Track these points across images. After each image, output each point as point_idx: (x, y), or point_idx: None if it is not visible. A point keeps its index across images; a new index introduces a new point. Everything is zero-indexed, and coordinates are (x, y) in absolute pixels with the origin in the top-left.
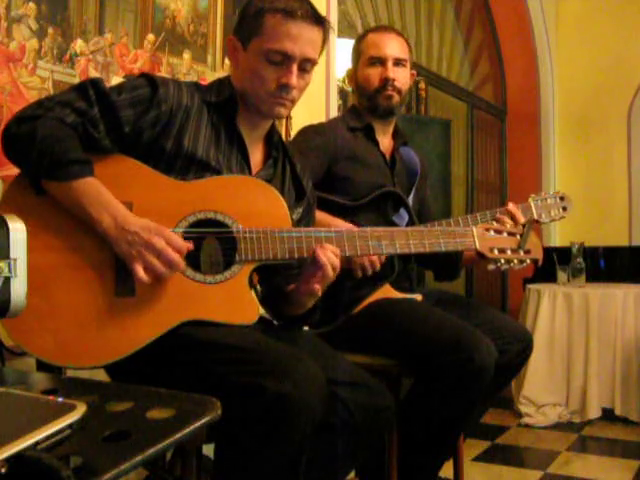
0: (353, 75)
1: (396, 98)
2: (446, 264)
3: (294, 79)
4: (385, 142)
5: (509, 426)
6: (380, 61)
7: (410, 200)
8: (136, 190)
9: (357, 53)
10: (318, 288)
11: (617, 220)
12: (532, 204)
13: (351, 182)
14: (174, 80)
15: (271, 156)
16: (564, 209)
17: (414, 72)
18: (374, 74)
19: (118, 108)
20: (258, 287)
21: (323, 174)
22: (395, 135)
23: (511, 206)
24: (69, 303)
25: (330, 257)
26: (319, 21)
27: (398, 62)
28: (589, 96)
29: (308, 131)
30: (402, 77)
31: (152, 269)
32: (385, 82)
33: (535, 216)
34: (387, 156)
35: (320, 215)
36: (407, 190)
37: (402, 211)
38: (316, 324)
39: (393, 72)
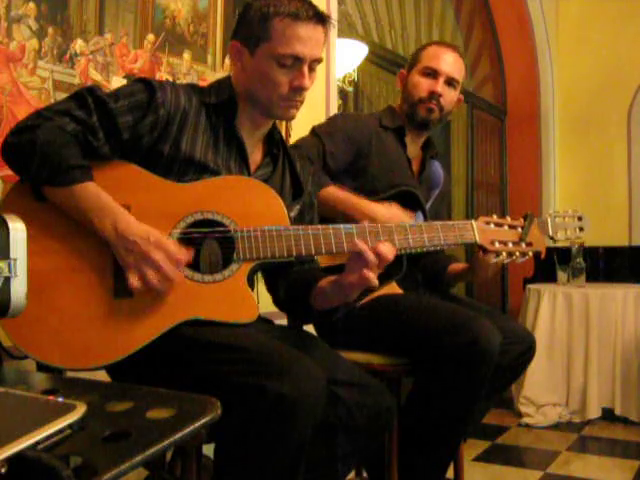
0: (405, 79)
1: (436, 113)
2: (432, 273)
3: (307, 81)
4: (412, 149)
5: (509, 426)
6: (434, 74)
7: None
8: (133, 193)
9: (414, 59)
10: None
11: (617, 220)
12: (549, 220)
13: (372, 176)
14: (171, 83)
15: (270, 154)
16: (581, 229)
17: (462, 97)
18: (424, 84)
19: (116, 115)
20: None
21: (346, 163)
22: (426, 147)
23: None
24: (68, 305)
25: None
26: (323, 19)
27: (450, 81)
28: (589, 96)
29: (340, 116)
30: (449, 97)
31: (146, 281)
32: (431, 95)
33: (550, 232)
34: (412, 163)
35: (354, 199)
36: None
37: (418, 215)
38: (318, 318)
39: (442, 88)
